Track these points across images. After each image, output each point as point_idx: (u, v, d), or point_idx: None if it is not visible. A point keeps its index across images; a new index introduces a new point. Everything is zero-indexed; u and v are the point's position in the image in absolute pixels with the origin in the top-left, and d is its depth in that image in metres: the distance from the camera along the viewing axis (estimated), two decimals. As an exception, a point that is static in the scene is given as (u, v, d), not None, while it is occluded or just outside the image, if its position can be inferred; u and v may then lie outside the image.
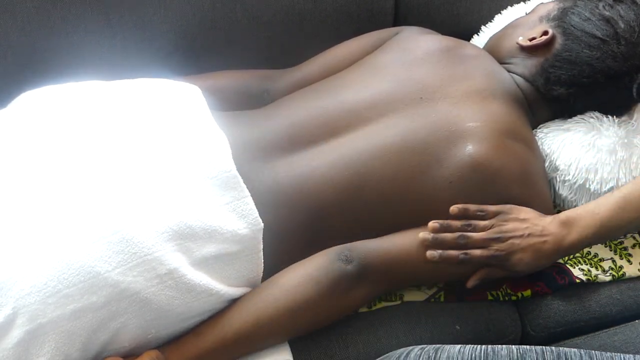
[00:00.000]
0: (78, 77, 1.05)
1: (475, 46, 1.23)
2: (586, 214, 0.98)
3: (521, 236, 0.96)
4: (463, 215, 0.99)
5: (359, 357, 1.00)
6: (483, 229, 0.98)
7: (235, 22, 1.27)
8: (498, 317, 1.07)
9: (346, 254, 0.95)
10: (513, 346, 0.89)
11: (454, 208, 0.98)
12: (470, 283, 0.99)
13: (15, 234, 0.85)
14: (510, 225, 0.97)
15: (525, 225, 0.97)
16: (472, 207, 0.99)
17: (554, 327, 1.09)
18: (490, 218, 0.98)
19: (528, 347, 0.88)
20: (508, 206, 1.00)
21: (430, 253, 0.97)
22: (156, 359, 0.86)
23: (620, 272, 1.12)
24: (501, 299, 1.08)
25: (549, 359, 0.87)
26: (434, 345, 0.90)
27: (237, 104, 1.16)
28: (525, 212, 0.99)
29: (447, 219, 0.99)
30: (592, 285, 1.11)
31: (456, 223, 0.98)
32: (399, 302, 1.05)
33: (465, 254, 0.97)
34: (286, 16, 1.29)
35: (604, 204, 0.98)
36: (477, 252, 0.97)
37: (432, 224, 0.98)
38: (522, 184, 1.03)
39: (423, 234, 0.97)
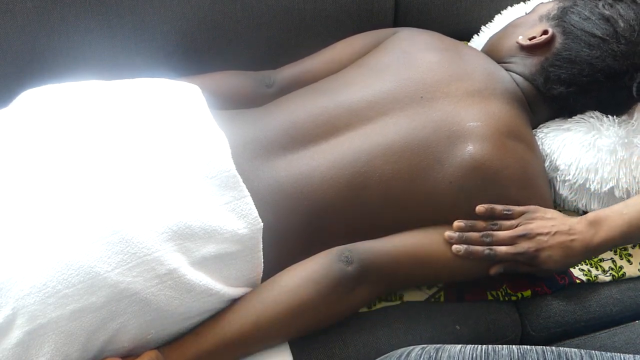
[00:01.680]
0: (78, 77, 1.05)
1: (472, 47, 1.23)
2: (614, 214, 0.98)
3: (548, 233, 0.97)
4: (490, 215, 0.99)
5: (359, 357, 1.00)
6: (509, 228, 0.99)
7: (235, 22, 1.27)
8: (498, 317, 1.07)
9: (346, 255, 0.95)
10: (514, 346, 0.88)
11: (480, 208, 0.99)
12: (494, 270, 0.99)
13: (14, 234, 0.85)
14: (536, 224, 0.98)
15: (552, 223, 0.98)
16: (499, 207, 1.00)
17: (554, 327, 1.08)
18: (515, 218, 0.99)
19: (529, 347, 0.88)
20: (534, 207, 1.01)
21: (455, 247, 0.97)
22: (155, 359, 0.87)
23: (620, 272, 1.12)
24: (501, 299, 1.08)
25: (550, 359, 0.87)
26: (434, 345, 0.90)
27: (237, 103, 1.16)
28: (552, 213, 1.00)
29: (453, 219, 1.00)
30: (592, 285, 1.11)
31: (482, 223, 0.99)
32: (399, 302, 1.05)
33: (490, 249, 0.97)
34: (286, 16, 1.29)
35: (632, 205, 0.98)
36: (502, 248, 0.97)
37: (457, 223, 0.99)
38: (523, 184, 1.03)
39: (449, 233, 0.98)
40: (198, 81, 1.10)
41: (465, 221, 0.99)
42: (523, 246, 0.97)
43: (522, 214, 1.00)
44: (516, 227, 0.99)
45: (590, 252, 0.99)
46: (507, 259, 0.98)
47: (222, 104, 1.13)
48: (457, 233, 0.98)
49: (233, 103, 1.16)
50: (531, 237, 0.97)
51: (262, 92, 1.19)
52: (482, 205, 0.99)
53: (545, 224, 0.98)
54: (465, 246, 0.97)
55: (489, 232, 0.98)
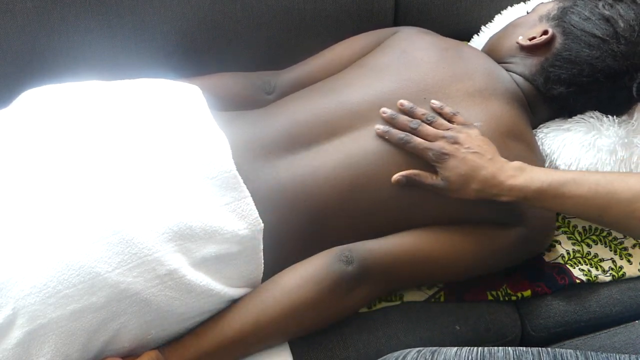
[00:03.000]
0: (78, 77, 1.05)
1: (472, 47, 1.23)
2: (542, 170, 0.95)
3: (468, 148, 0.94)
4: (438, 111, 1.02)
5: (359, 357, 1.00)
6: (440, 128, 0.99)
7: (235, 22, 1.27)
8: (498, 317, 1.07)
9: (347, 255, 0.95)
10: (509, 348, 0.89)
11: (434, 102, 1.02)
12: (395, 177, 0.97)
13: (15, 235, 0.85)
14: (464, 136, 0.96)
15: (480, 143, 0.96)
16: (448, 109, 1.02)
17: (554, 327, 1.09)
18: (458, 124, 1.00)
19: (524, 348, 0.88)
20: (476, 128, 1.00)
21: (378, 125, 1.00)
22: (155, 359, 0.87)
23: (620, 272, 1.12)
24: (501, 299, 1.08)
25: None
26: (430, 348, 0.90)
27: (238, 105, 1.16)
28: (489, 142, 0.98)
29: (455, 218, 1.00)
30: (592, 285, 1.11)
31: (422, 110, 1.01)
32: (399, 302, 1.05)
33: (407, 135, 0.97)
34: (286, 16, 1.29)
35: (565, 171, 0.97)
36: (417, 139, 0.97)
37: (401, 101, 1.02)
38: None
39: (383, 109, 1.01)
40: (197, 83, 1.10)
41: (408, 103, 1.01)
42: (439, 144, 0.95)
43: (465, 124, 1.00)
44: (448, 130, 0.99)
45: (494, 190, 0.93)
46: (417, 148, 0.96)
47: (222, 106, 1.13)
48: (392, 112, 1.00)
49: (233, 106, 1.16)
50: (451, 142, 0.96)
51: (261, 99, 1.19)
52: (433, 101, 1.02)
53: (472, 142, 0.95)
54: (388, 128, 0.98)
55: (418, 120, 1.00)
